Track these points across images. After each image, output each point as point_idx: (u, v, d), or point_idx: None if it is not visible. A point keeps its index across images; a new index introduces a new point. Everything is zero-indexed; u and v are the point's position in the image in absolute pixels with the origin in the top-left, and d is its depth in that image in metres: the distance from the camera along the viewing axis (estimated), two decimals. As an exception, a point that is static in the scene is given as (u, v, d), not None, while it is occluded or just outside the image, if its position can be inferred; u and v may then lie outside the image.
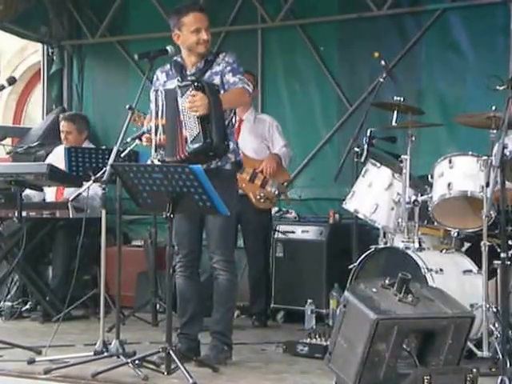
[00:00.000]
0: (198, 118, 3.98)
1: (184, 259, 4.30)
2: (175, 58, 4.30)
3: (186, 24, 4.21)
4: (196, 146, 3.98)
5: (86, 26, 7.34)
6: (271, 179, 5.49)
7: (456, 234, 4.58)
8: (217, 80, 4.20)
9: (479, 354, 4.14)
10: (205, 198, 3.74)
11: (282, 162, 5.54)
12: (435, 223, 4.60)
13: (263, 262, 5.65)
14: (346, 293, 3.51)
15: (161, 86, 4.23)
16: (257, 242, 5.58)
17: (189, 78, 4.14)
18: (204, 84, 4.03)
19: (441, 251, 4.60)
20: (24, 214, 5.45)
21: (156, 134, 4.10)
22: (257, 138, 5.56)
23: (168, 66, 4.31)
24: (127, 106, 4.11)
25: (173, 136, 4.07)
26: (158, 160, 4.10)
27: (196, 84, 4.00)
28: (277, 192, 5.52)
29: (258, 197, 5.44)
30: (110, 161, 4.03)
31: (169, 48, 4.24)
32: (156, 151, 4.11)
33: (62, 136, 6.11)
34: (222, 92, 4.15)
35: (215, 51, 4.36)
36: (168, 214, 3.78)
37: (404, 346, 3.41)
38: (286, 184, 5.68)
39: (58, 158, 6.00)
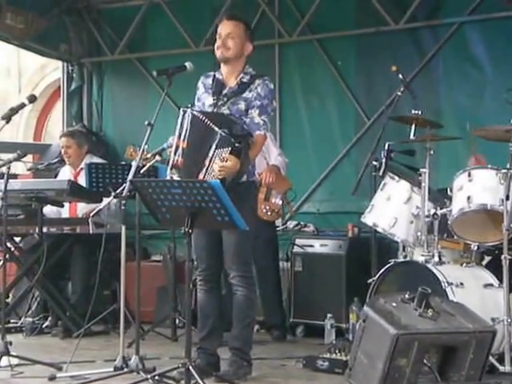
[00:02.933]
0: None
1: (203, 273, 4.30)
2: (217, 72, 4.29)
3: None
4: None
5: (106, 44, 7.41)
6: (274, 190, 5.47)
7: (476, 248, 4.55)
8: (242, 106, 4.19)
9: (501, 368, 4.09)
10: (223, 212, 3.74)
11: (281, 171, 5.53)
12: (455, 237, 4.57)
13: (274, 276, 5.61)
14: (366, 307, 3.50)
15: (189, 110, 4.14)
16: (266, 256, 5.55)
17: (232, 137, 4.02)
18: (242, 147, 4.01)
19: (461, 265, 4.58)
20: (44, 230, 5.49)
21: (175, 154, 4.11)
22: None
23: (210, 79, 4.30)
24: (146, 122, 4.13)
25: (191, 168, 4.07)
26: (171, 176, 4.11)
27: (236, 146, 3.99)
28: (281, 202, 5.50)
29: (264, 210, 5.43)
30: (130, 177, 4.05)
31: (187, 64, 4.27)
32: (171, 170, 4.12)
33: (63, 151, 6.16)
34: (245, 119, 4.14)
35: (253, 73, 4.28)
36: (187, 229, 3.78)
37: (425, 362, 3.40)
38: (288, 194, 5.62)
39: (62, 178, 6.06)
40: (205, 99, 4.28)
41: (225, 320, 4.37)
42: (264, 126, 4.19)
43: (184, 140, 4.08)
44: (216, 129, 4.04)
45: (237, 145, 4.00)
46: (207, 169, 4.03)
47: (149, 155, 4.25)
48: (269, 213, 5.44)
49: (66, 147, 6.14)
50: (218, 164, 4.01)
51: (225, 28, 4.24)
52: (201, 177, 4.04)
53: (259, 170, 5.49)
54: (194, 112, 4.12)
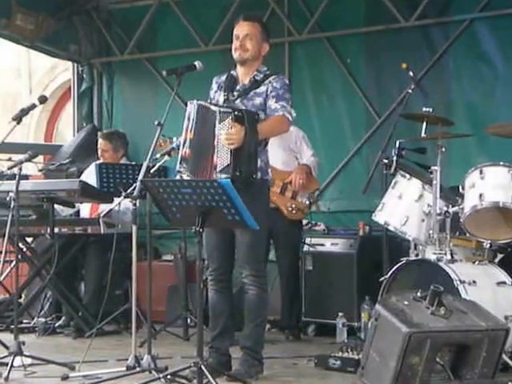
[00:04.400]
0: (230, 149, 3.99)
1: (214, 273, 4.30)
2: (232, 70, 4.30)
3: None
4: (224, 176, 3.99)
5: (115, 44, 7.42)
6: (302, 190, 5.48)
7: (488, 246, 4.52)
8: (258, 101, 4.18)
9: (514, 366, 4.08)
10: (234, 211, 3.74)
11: (312, 171, 5.54)
12: (467, 234, 4.55)
13: (295, 274, 5.62)
14: (378, 306, 3.49)
15: (195, 101, 4.16)
16: (289, 254, 5.56)
17: (231, 105, 4.09)
18: (244, 113, 4.01)
19: (473, 263, 4.55)
20: (56, 230, 5.51)
21: (183, 147, 4.12)
22: (285, 150, 5.56)
23: (224, 77, 4.31)
24: (156, 122, 4.14)
25: (199, 155, 4.08)
26: (179, 172, 4.11)
27: (236, 113, 3.99)
28: (308, 202, 5.51)
29: (290, 208, 5.44)
30: (140, 177, 4.06)
31: (197, 63, 4.27)
32: (180, 163, 4.13)
33: (99, 153, 6.19)
34: (262, 116, 4.14)
35: (267, 72, 4.27)
36: (197, 229, 3.78)
37: (437, 360, 3.38)
38: (316, 193, 5.65)
39: (87, 175, 6.07)
40: (218, 97, 4.28)
41: (235, 319, 4.37)
42: (283, 109, 4.14)
43: (191, 131, 4.09)
44: (213, 107, 4.05)
45: (236, 113, 3.98)
46: (217, 147, 4.02)
47: (158, 155, 4.25)
48: (294, 211, 5.45)
49: (102, 150, 6.16)
50: (223, 136, 3.99)
51: (242, 29, 4.23)
52: (214, 159, 4.03)
53: (289, 168, 5.51)
54: (199, 101, 4.13)
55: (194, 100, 4.16)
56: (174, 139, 4.32)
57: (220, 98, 4.26)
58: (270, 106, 4.17)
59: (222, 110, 4.04)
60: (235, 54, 4.24)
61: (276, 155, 5.48)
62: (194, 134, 4.08)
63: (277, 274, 5.70)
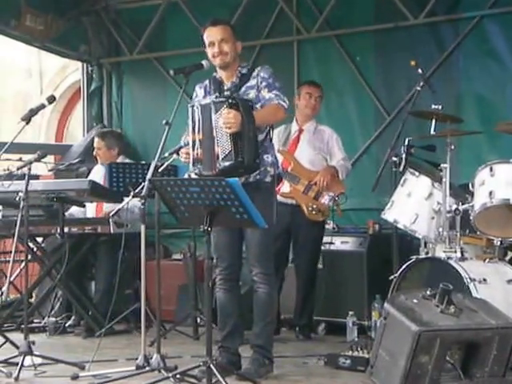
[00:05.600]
0: (230, 135, 4.00)
1: (224, 272, 4.30)
2: (214, 74, 4.33)
3: (204, 41, 4.27)
4: (227, 163, 4.00)
5: (125, 44, 7.44)
6: (325, 191, 5.45)
7: (499, 243, 4.51)
8: (252, 94, 4.20)
9: (525, 365, 4.05)
10: (242, 210, 3.74)
11: (339, 174, 5.48)
12: (477, 232, 4.53)
13: (312, 274, 5.57)
14: (387, 304, 3.48)
15: (197, 102, 4.24)
16: (305, 253, 5.51)
17: (225, 94, 4.15)
18: (238, 101, 4.04)
19: (484, 261, 4.53)
20: (66, 230, 5.52)
21: (193, 149, 4.12)
22: (314, 149, 5.53)
23: (207, 82, 4.34)
24: (164, 122, 4.14)
25: (209, 155, 4.09)
26: (196, 174, 4.12)
27: (230, 101, 4.02)
28: (330, 203, 5.48)
29: (310, 208, 5.42)
30: (148, 176, 4.06)
31: (204, 62, 4.27)
32: (194, 165, 4.13)
33: (95, 152, 6.21)
34: (257, 106, 4.16)
35: (249, 66, 4.35)
36: (205, 228, 3.78)
37: (447, 358, 3.36)
38: (339, 197, 5.58)
39: (93, 176, 6.09)
40: (208, 100, 4.24)
41: (244, 318, 4.36)
42: (277, 98, 4.15)
43: (199, 132, 4.09)
44: (208, 100, 4.07)
45: (230, 100, 3.99)
46: (217, 137, 4.03)
47: (166, 154, 4.25)
48: (314, 212, 5.43)
49: (96, 148, 6.20)
50: (221, 122, 3.99)
51: (215, 35, 4.22)
52: (215, 149, 4.04)
53: (316, 168, 5.48)
54: (202, 102, 4.14)
55: (195, 102, 4.17)
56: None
57: (208, 101, 4.22)
58: (264, 97, 4.18)
59: (215, 100, 4.06)
60: (216, 61, 4.23)
61: (304, 153, 5.48)
62: (202, 134, 4.09)
63: (294, 273, 5.64)
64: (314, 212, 5.43)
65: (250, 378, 4.01)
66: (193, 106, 4.15)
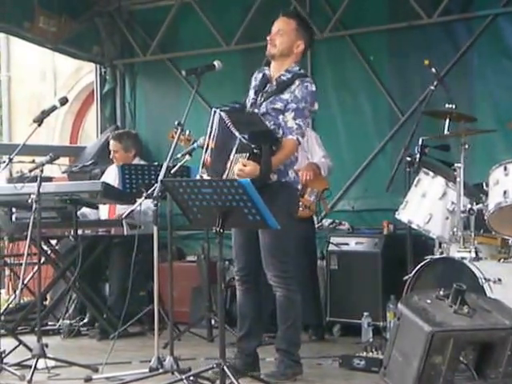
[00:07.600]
0: None
1: (240, 273, 4.27)
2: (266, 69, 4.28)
3: None
4: None
5: (138, 45, 7.44)
6: (310, 188, 5.44)
7: (514, 243, 4.47)
8: (279, 106, 4.13)
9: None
10: (254, 211, 3.72)
11: (321, 171, 5.50)
12: (492, 232, 4.50)
13: (307, 273, 5.51)
14: (400, 305, 3.45)
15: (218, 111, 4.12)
16: (302, 254, 5.47)
17: (252, 142, 3.96)
18: (262, 151, 3.95)
19: (498, 260, 4.50)
20: (80, 232, 5.53)
21: (205, 153, 4.12)
22: None
23: (262, 74, 4.27)
24: (176, 123, 4.13)
25: (217, 168, 4.08)
26: (207, 175, 4.11)
27: (254, 151, 3.94)
28: (316, 200, 5.47)
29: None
30: (160, 177, 4.06)
31: (216, 63, 4.26)
32: (202, 168, 4.14)
33: (111, 155, 6.21)
34: (280, 133, 4.08)
35: (294, 73, 4.20)
36: (218, 229, 3.77)
37: (461, 359, 3.33)
38: (324, 193, 5.58)
39: (106, 177, 6.09)
40: (250, 95, 4.27)
41: (262, 320, 4.33)
42: (298, 130, 4.10)
43: (213, 140, 4.08)
44: (236, 134, 4.00)
45: (255, 151, 3.95)
46: (228, 172, 4.02)
47: (179, 155, 4.25)
48: (300, 208, 5.41)
49: (113, 151, 6.19)
50: (237, 168, 3.98)
51: (276, 25, 4.23)
52: (224, 166, 4.02)
53: (300, 167, 5.46)
54: (221, 113, 4.08)
55: (218, 109, 4.11)
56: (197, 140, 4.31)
57: (251, 97, 4.24)
58: (286, 123, 4.11)
59: (242, 141, 3.97)
60: (267, 49, 4.22)
61: None
62: (215, 144, 4.07)
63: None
64: (300, 208, 5.40)
65: (263, 380, 3.99)
66: (214, 112, 4.09)
